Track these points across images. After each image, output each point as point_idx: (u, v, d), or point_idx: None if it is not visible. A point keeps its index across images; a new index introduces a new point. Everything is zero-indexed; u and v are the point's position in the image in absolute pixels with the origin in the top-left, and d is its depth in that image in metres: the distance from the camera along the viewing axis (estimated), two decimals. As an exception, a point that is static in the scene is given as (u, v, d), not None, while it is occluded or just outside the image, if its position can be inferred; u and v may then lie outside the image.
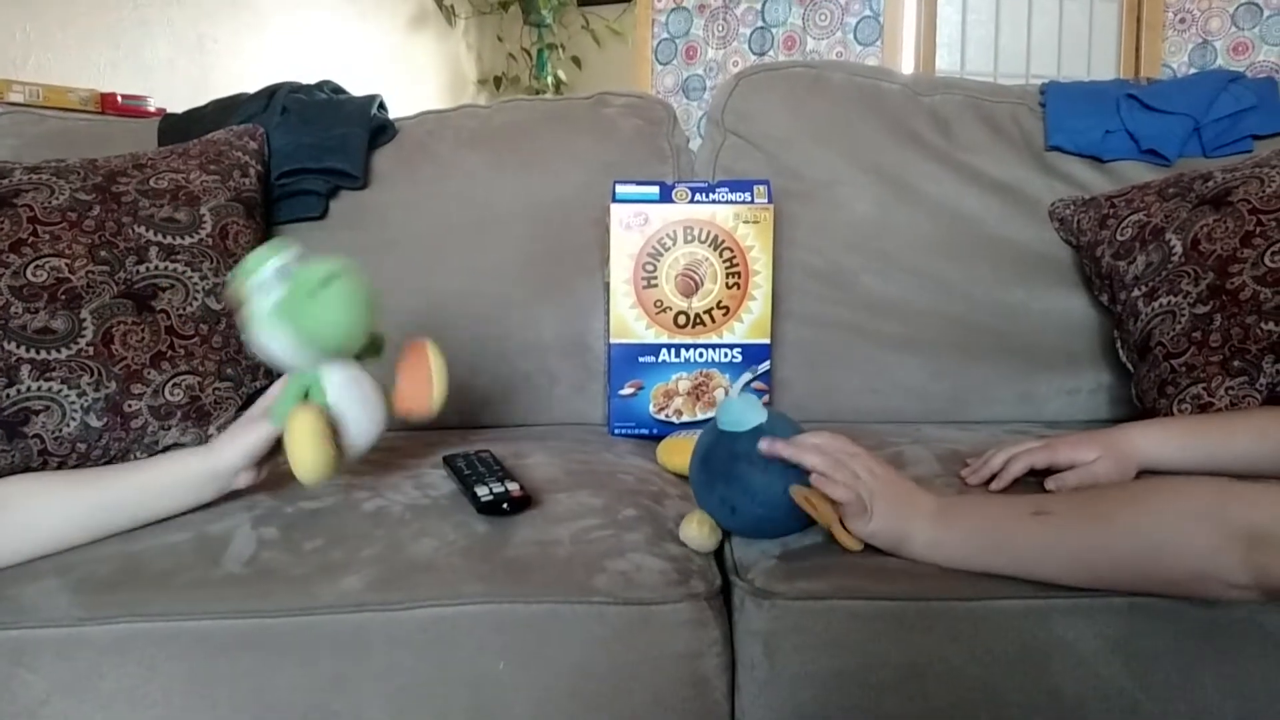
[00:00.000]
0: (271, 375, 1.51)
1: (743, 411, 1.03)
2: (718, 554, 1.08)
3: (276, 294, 1.04)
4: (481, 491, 1.09)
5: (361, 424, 1.11)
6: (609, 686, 0.94)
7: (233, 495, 1.12)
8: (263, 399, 1.13)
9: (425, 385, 1.16)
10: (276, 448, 1.09)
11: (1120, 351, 1.53)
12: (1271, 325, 1.28)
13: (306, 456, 1.02)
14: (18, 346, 1.30)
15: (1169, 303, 1.40)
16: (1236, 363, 1.30)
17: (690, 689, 0.96)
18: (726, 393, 1.51)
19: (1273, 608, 0.92)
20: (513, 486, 1.11)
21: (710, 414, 1.16)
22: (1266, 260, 1.32)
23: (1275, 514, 0.85)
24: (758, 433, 1.02)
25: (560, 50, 5.01)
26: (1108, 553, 0.91)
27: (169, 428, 1.36)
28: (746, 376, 1.14)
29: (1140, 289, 1.46)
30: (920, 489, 1.03)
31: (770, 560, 1.01)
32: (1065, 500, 1.02)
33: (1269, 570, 0.83)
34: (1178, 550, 0.87)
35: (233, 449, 1.08)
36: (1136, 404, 1.46)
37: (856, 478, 0.98)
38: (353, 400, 1.11)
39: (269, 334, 1.05)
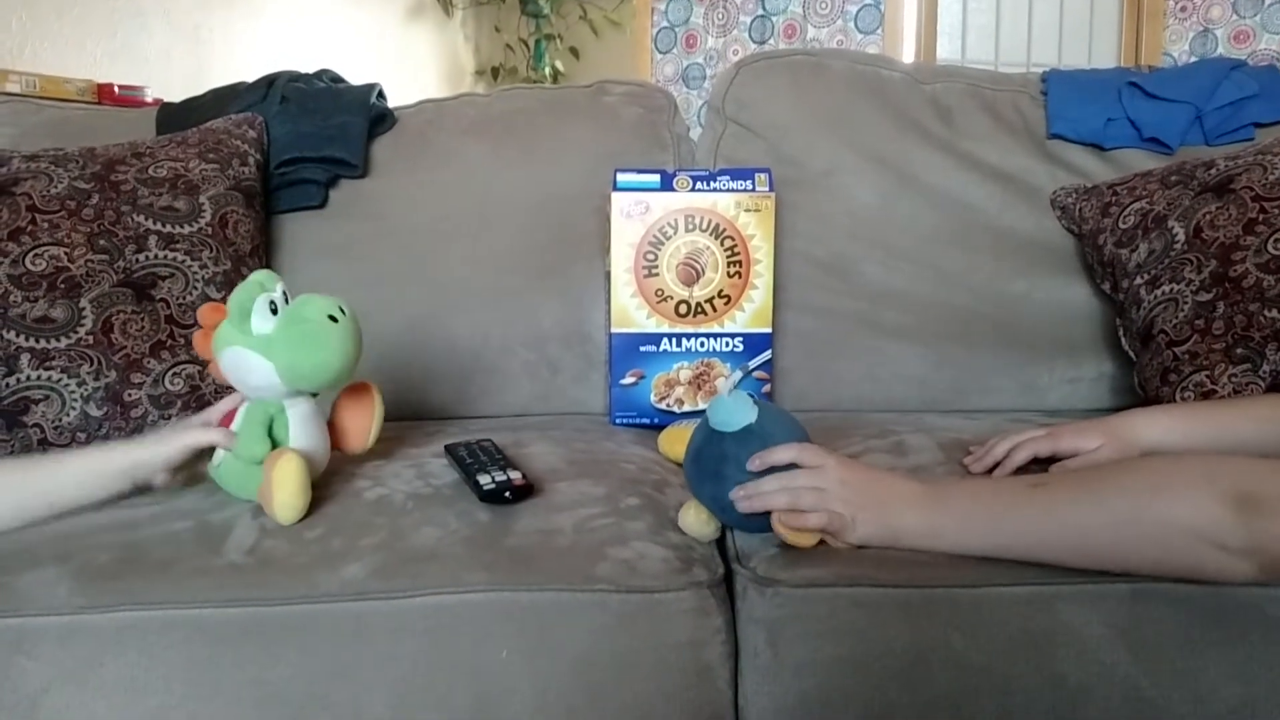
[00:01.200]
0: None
1: (732, 411, 1.02)
2: (720, 542, 1.08)
3: (267, 325, 1.05)
4: (484, 480, 1.09)
5: (314, 460, 1.11)
6: (611, 675, 0.94)
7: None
8: (209, 412, 1.16)
9: (365, 426, 1.18)
10: (201, 455, 1.12)
11: (1122, 340, 1.53)
12: (1274, 312, 1.28)
13: (293, 502, 1.03)
14: (17, 335, 1.30)
15: (1171, 290, 1.40)
16: (1240, 350, 1.30)
17: (693, 677, 0.95)
18: (726, 380, 1.51)
19: (1277, 594, 0.92)
20: (515, 475, 1.10)
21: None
22: (1269, 247, 1.32)
23: (1265, 478, 0.86)
24: (747, 433, 1.01)
25: (558, 41, 5.00)
26: (1103, 522, 0.91)
27: (169, 417, 1.36)
28: (737, 375, 1.13)
29: (1142, 277, 1.46)
30: (902, 478, 1.03)
31: (773, 548, 1.00)
32: (1058, 475, 1.02)
33: (1262, 531, 0.84)
34: (1168, 511, 0.87)
35: (155, 450, 1.09)
36: (1139, 392, 1.45)
37: (826, 493, 0.98)
38: (310, 436, 1.12)
39: (249, 362, 1.05)
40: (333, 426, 1.18)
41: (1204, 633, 0.93)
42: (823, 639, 0.94)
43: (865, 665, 0.94)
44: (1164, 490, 0.89)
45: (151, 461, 1.09)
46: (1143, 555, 0.91)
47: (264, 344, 1.05)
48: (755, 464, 0.99)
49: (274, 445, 1.08)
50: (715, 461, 1.02)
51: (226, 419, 1.13)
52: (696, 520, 1.05)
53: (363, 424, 1.18)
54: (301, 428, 1.11)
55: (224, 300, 1.07)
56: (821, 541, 1.00)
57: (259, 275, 1.07)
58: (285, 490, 1.02)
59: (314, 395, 1.13)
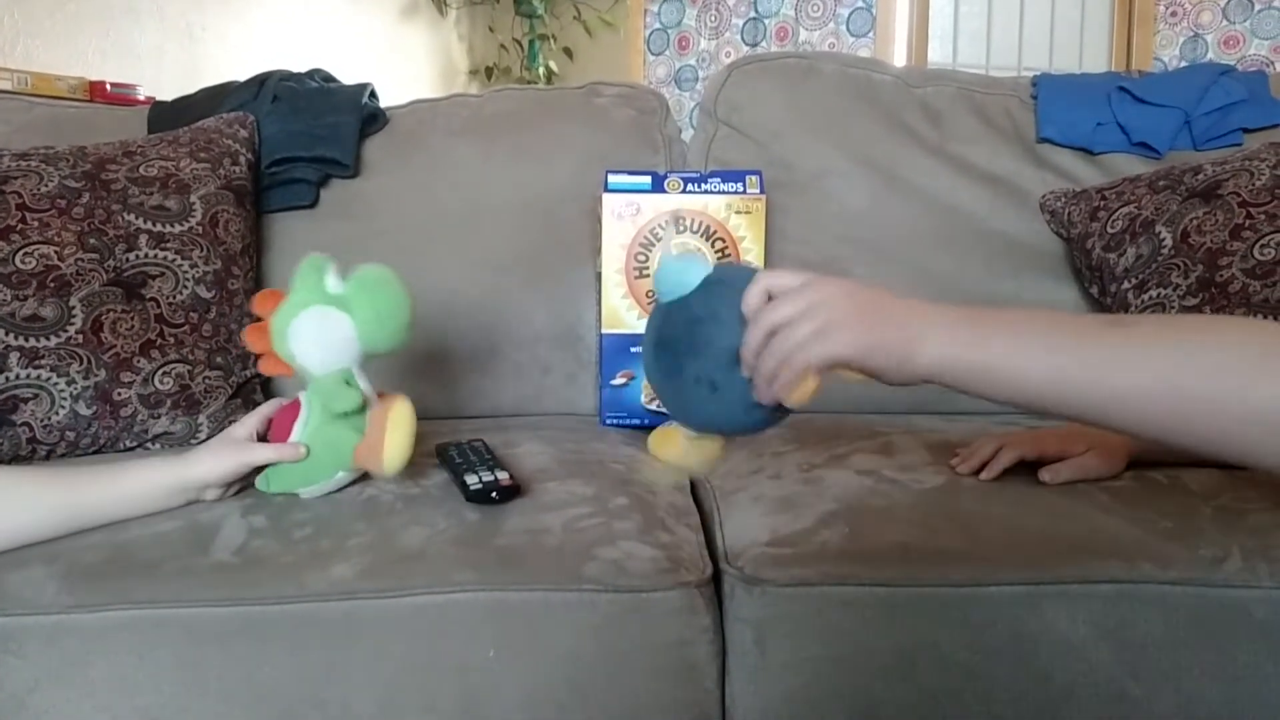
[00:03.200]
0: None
1: (683, 272, 0.89)
2: (708, 541, 1.08)
3: (340, 288, 1.07)
4: (471, 480, 1.09)
5: None
6: (599, 674, 0.94)
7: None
8: (246, 421, 1.12)
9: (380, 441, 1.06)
10: (251, 474, 1.10)
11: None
12: (1260, 318, 1.29)
13: (407, 446, 1.04)
14: (6, 334, 1.30)
15: (1159, 295, 1.41)
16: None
17: (681, 676, 0.96)
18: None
19: (1260, 595, 0.92)
20: (502, 475, 1.11)
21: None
22: (1255, 253, 1.32)
23: None
24: (710, 285, 0.89)
25: (552, 41, 5.00)
26: (1200, 370, 0.76)
27: (159, 416, 1.36)
28: (670, 230, 1.04)
29: (1130, 281, 1.46)
30: (908, 298, 0.89)
31: (760, 547, 1.01)
32: (1134, 317, 0.87)
33: None
34: (1269, 388, 0.73)
35: (208, 467, 1.07)
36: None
37: (826, 331, 0.85)
38: (373, 396, 1.12)
39: (329, 319, 1.06)
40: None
41: (1189, 633, 0.94)
42: (810, 638, 0.95)
43: (852, 664, 0.94)
44: (1270, 363, 0.74)
45: (205, 479, 1.07)
46: (1224, 429, 0.76)
47: (340, 300, 1.06)
48: (752, 300, 0.86)
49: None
50: (686, 330, 0.90)
51: (279, 428, 1.11)
52: (676, 445, 0.97)
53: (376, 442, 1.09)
54: (369, 389, 1.11)
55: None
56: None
57: (316, 255, 1.09)
58: (400, 432, 1.03)
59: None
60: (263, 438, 1.12)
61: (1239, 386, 0.74)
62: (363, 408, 1.08)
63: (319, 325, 1.07)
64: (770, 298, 0.89)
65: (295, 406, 1.11)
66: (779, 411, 0.93)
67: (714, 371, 0.89)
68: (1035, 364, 0.82)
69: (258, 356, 1.11)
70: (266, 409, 1.14)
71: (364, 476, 1.14)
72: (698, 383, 0.91)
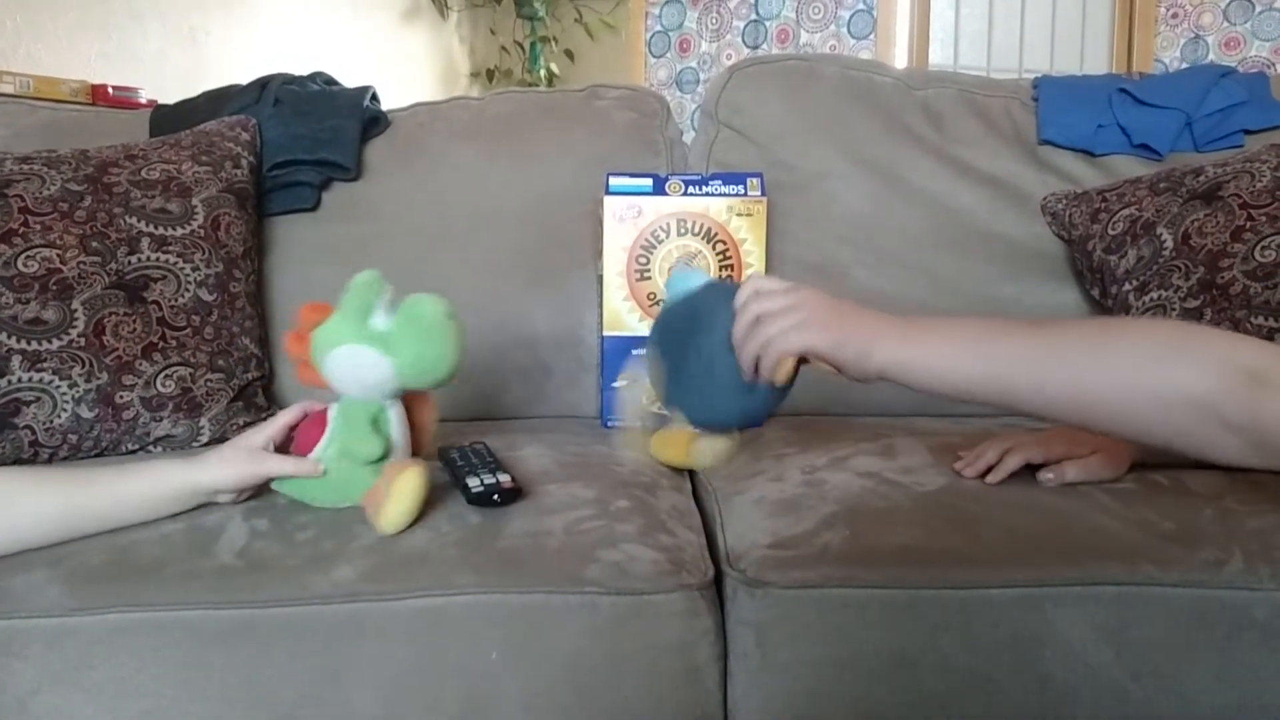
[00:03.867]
0: (264, 368, 1.51)
1: (687, 279, 1.06)
2: (710, 543, 1.08)
3: (385, 323, 1.05)
4: (473, 483, 1.09)
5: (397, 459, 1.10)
6: (601, 676, 0.94)
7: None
8: (265, 428, 1.10)
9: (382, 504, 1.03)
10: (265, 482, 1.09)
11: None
12: (1261, 320, 1.29)
13: (408, 515, 1.02)
14: (9, 337, 1.30)
15: (1160, 297, 1.41)
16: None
17: (682, 678, 0.96)
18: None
19: (1262, 597, 0.93)
20: (504, 478, 1.11)
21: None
22: (1256, 255, 1.32)
23: (1267, 357, 0.82)
24: (709, 287, 1.06)
25: (553, 43, 5.00)
26: (1108, 374, 0.87)
27: (160, 419, 1.36)
28: (681, 256, 1.17)
29: (1131, 283, 1.46)
30: (873, 310, 1.00)
31: (762, 550, 1.01)
32: (1055, 320, 0.97)
33: (1265, 410, 0.80)
34: (1181, 375, 0.83)
35: (219, 472, 1.06)
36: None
37: (803, 324, 0.97)
38: (406, 438, 1.12)
39: (367, 358, 1.04)
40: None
41: (1191, 635, 0.94)
42: (811, 640, 0.95)
43: (853, 666, 0.94)
44: (1179, 354, 0.84)
45: (215, 484, 1.06)
46: (1137, 414, 0.86)
47: (383, 340, 1.04)
48: (743, 294, 1.00)
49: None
50: (691, 320, 1.04)
51: (305, 437, 1.10)
52: (674, 449, 1.10)
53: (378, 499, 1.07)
54: (400, 429, 1.11)
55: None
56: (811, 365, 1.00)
57: (371, 275, 1.06)
58: (405, 502, 1.01)
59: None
60: (280, 447, 1.11)
61: (1136, 376, 0.85)
62: (384, 456, 1.07)
63: (356, 364, 1.05)
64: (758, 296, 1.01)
65: (323, 420, 1.10)
66: (765, 395, 1.02)
67: (709, 350, 1.01)
68: (967, 363, 0.93)
69: (296, 364, 1.11)
70: (287, 418, 1.12)
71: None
72: (696, 359, 1.02)
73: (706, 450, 1.12)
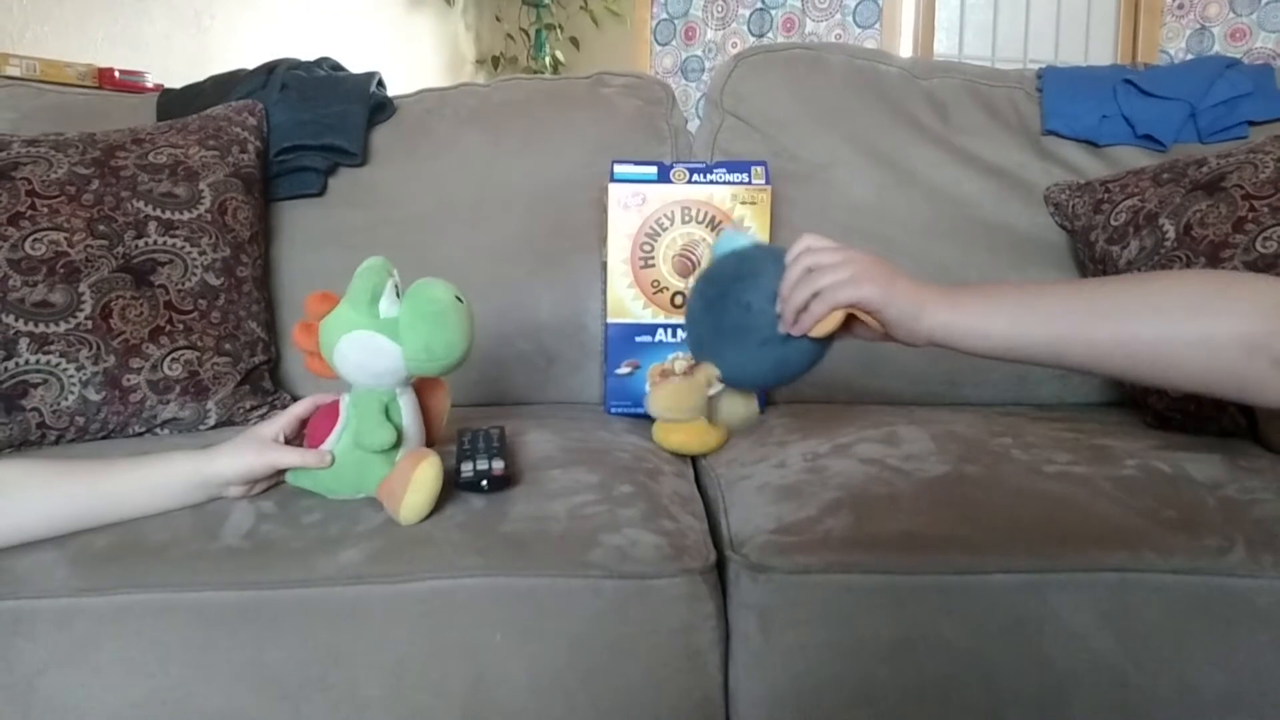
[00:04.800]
0: (270, 352, 1.52)
1: (736, 238, 1.09)
2: (713, 529, 1.08)
3: (394, 309, 1.04)
4: (465, 468, 1.09)
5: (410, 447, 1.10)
6: (604, 659, 0.95)
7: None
8: (276, 420, 1.10)
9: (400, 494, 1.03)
10: (275, 475, 1.09)
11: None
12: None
13: (425, 505, 1.01)
14: (16, 319, 1.30)
15: (1162, 287, 1.41)
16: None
17: (685, 661, 0.97)
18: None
19: (1263, 584, 0.93)
20: (497, 465, 1.10)
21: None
22: (1258, 245, 1.33)
23: None
24: (757, 245, 1.09)
25: (558, 31, 5.00)
26: (1156, 328, 0.90)
27: (167, 402, 1.37)
28: (731, 228, 1.19)
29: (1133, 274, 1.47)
30: (922, 280, 1.02)
31: (765, 535, 1.01)
32: (1099, 278, 0.99)
33: None
34: (1228, 318, 0.86)
35: (229, 463, 1.05)
36: (1128, 387, 1.47)
37: (851, 280, 0.99)
38: (418, 425, 1.12)
39: (377, 344, 1.04)
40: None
41: (1191, 621, 0.94)
42: (813, 625, 0.96)
43: (855, 651, 0.95)
44: (1224, 298, 0.87)
45: (224, 475, 1.05)
46: (1187, 359, 0.89)
47: (392, 327, 1.03)
48: (798, 248, 1.02)
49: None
50: (734, 268, 1.06)
51: (317, 428, 1.10)
52: (678, 436, 1.12)
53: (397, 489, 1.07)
54: (412, 416, 1.10)
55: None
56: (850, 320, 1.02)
57: (379, 261, 1.06)
58: (422, 493, 1.00)
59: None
60: (290, 440, 1.10)
61: (1185, 323, 0.88)
62: (396, 445, 1.06)
63: (365, 351, 1.04)
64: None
65: (335, 411, 1.09)
66: (802, 350, 1.05)
67: (752, 300, 1.04)
68: (1015, 323, 0.95)
69: (304, 354, 1.10)
70: (299, 410, 1.11)
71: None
72: (736, 305, 1.05)
73: (728, 411, 1.14)
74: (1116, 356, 0.92)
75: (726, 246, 1.11)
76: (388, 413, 1.07)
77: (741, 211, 1.50)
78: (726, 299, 1.06)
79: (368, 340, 1.04)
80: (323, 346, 1.07)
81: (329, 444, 1.07)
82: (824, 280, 0.99)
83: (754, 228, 1.50)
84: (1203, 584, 0.94)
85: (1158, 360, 0.90)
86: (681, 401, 1.21)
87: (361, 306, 1.03)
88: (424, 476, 1.01)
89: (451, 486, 1.08)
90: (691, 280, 1.30)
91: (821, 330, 1.01)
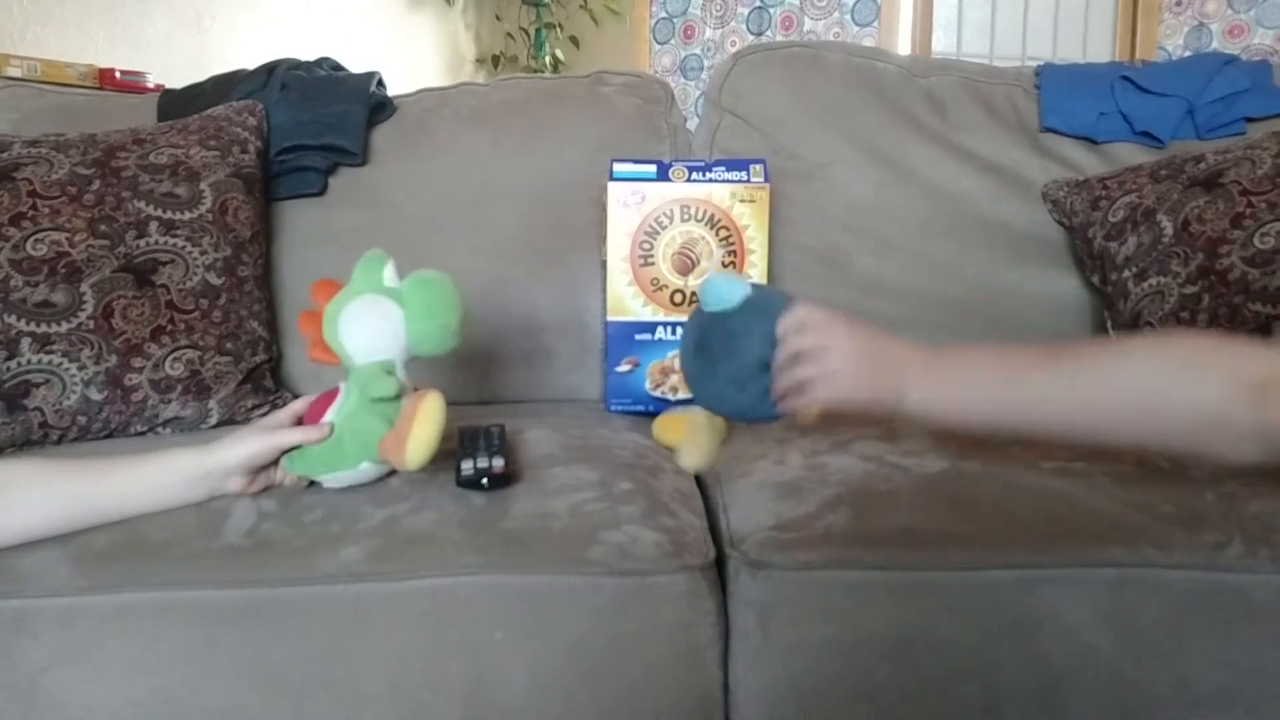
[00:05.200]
0: (271, 351, 1.52)
1: (729, 288, 1.04)
2: (712, 526, 1.09)
3: (395, 283, 1.09)
4: (465, 465, 1.09)
5: None
6: (605, 656, 0.95)
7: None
8: (276, 416, 1.11)
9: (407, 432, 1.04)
10: (277, 461, 1.09)
11: (1110, 331, 1.54)
12: (1259, 305, 1.29)
13: (433, 439, 1.01)
14: (18, 319, 1.31)
15: (1158, 283, 1.42)
16: (1227, 342, 1.31)
17: (684, 658, 0.97)
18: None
19: (1260, 580, 0.93)
20: (497, 463, 1.10)
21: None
22: (1255, 241, 1.33)
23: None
24: (749, 306, 1.04)
25: (558, 30, 5.00)
26: (1119, 398, 0.92)
27: (169, 401, 1.37)
28: (719, 255, 1.16)
29: (1131, 269, 1.47)
30: (903, 344, 1.03)
31: (764, 531, 1.02)
32: (1069, 350, 0.98)
33: (1275, 420, 0.85)
34: (1189, 395, 0.88)
35: (231, 451, 1.05)
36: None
37: (834, 375, 0.99)
38: (408, 394, 1.12)
39: (382, 307, 1.07)
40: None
41: (1188, 617, 0.95)
42: (812, 621, 0.96)
43: (854, 647, 0.95)
44: (1194, 372, 0.89)
45: (227, 462, 1.04)
46: (1156, 433, 0.91)
47: (396, 294, 1.08)
48: (786, 325, 1.01)
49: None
50: (724, 340, 1.03)
51: (315, 412, 1.10)
52: (679, 432, 1.07)
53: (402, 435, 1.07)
54: (409, 385, 1.11)
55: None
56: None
57: (376, 251, 1.11)
58: (430, 427, 1.00)
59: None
60: None
61: (1155, 400, 0.90)
62: (398, 397, 1.07)
63: (371, 313, 1.07)
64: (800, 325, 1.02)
65: (332, 395, 1.11)
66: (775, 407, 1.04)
67: (741, 375, 1.03)
68: (990, 406, 0.97)
69: (308, 342, 1.11)
70: (297, 407, 1.12)
71: (390, 472, 1.12)
72: (727, 382, 1.04)
73: (692, 450, 1.12)
74: (1090, 435, 0.95)
75: (718, 296, 1.05)
76: (389, 372, 1.09)
77: (740, 210, 1.50)
78: (717, 375, 1.05)
79: (374, 302, 1.07)
80: (326, 323, 1.09)
81: (327, 418, 1.08)
82: (808, 371, 0.99)
83: (752, 225, 1.50)
84: (1201, 579, 0.94)
85: (1132, 435, 0.93)
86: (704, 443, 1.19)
87: (369, 277, 1.08)
88: (430, 407, 1.01)
89: (442, 483, 1.08)
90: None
91: (804, 418, 1.04)
